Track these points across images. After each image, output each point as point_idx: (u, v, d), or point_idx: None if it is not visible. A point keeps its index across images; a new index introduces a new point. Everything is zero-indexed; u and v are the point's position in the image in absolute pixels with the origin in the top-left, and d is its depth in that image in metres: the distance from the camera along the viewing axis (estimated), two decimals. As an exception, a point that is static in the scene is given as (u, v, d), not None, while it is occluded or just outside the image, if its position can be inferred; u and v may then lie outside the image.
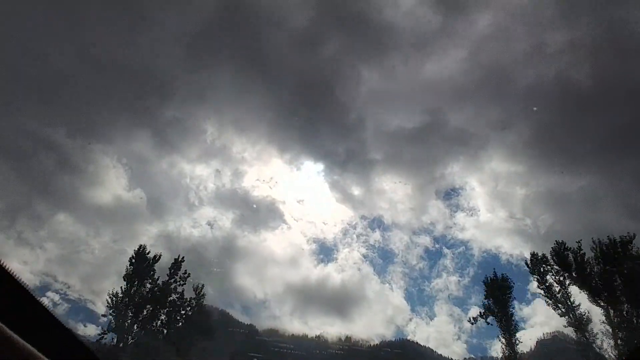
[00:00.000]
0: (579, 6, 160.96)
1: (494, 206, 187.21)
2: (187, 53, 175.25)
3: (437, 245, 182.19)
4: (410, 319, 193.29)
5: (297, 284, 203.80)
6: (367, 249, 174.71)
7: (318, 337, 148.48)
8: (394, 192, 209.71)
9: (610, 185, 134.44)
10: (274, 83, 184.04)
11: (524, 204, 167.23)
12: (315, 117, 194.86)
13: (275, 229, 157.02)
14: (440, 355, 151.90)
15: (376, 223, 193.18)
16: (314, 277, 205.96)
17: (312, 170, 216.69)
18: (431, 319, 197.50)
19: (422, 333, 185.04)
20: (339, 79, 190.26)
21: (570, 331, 38.80)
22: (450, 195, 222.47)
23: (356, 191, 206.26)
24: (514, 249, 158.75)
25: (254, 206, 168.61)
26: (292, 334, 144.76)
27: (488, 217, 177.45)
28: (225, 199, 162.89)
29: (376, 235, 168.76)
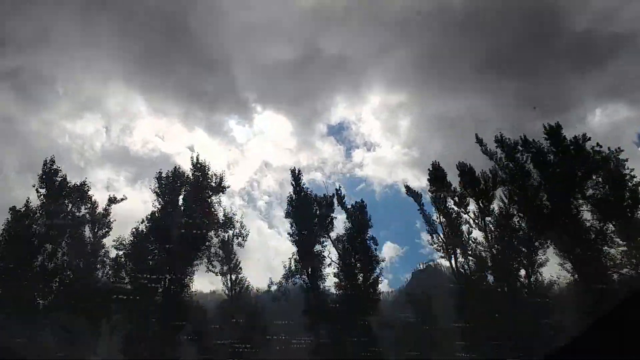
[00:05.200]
0: None
1: (386, 139, 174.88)
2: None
3: (329, 181, 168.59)
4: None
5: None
6: (269, 196, 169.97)
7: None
8: (275, 130, 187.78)
9: (494, 105, 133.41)
10: (122, 20, 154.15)
11: (411, 133, 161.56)
12: (172, 54, 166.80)
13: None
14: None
15: (266, 166, 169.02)
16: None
17: (177, 113, 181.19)
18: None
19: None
20: (194, 11, 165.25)
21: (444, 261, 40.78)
22: (338, 130, 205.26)
23: (237, 134, 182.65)
24: (415, 181, 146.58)
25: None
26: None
27: (382, 150, 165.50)
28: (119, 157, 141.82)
29: (268, 180, 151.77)
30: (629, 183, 33.82)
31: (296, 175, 43.90)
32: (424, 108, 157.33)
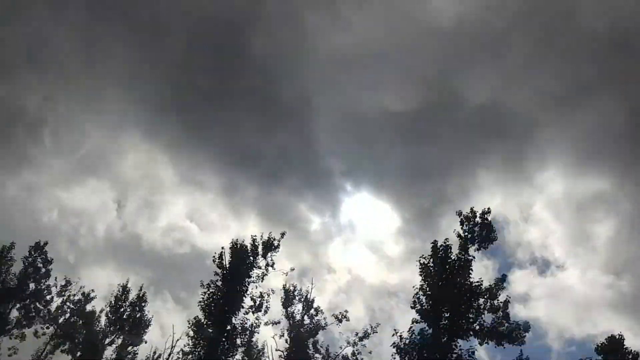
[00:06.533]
0: None
1: (572, 255, 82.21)
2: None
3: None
4: None
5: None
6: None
7: None
8: (373, 225, 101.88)
9: None
10: (141, 45, 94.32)
11: (617, 248, 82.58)
12: (216, 97, 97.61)
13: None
14: None
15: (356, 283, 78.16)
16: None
17: (217, 187, 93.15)
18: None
19: None
20: (258, 25, 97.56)
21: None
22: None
23: (313, 226, 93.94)
24: (631, 337, 41.05)
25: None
26: None
27: (565, 276, 77.64)
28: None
29: (358, 309, 68.32)
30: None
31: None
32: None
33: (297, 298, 31.33)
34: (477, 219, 25.86)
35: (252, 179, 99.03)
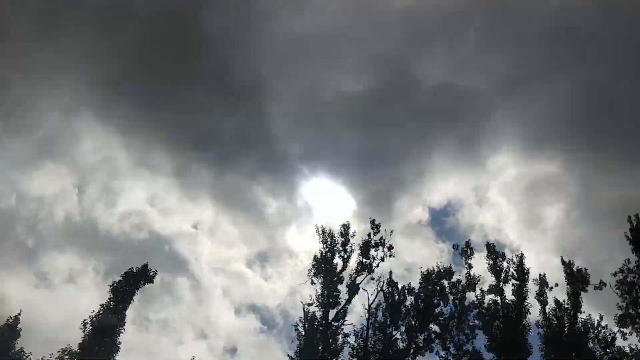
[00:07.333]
0: None
1: (526, 239, 79.65)
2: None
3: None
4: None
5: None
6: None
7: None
8: (331, 209, 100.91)
9: None
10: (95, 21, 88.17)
11: (568, 231, 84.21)
12: (175, 75, 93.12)
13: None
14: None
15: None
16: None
17: (171, 170, 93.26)
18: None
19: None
20: (213, 5, 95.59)
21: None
22: (439, 216, 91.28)
23: (269, 209, 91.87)
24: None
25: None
26: None
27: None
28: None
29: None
30: None
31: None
32: (591, 187, 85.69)
33: None
34: None
35: (207, 162, 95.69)
